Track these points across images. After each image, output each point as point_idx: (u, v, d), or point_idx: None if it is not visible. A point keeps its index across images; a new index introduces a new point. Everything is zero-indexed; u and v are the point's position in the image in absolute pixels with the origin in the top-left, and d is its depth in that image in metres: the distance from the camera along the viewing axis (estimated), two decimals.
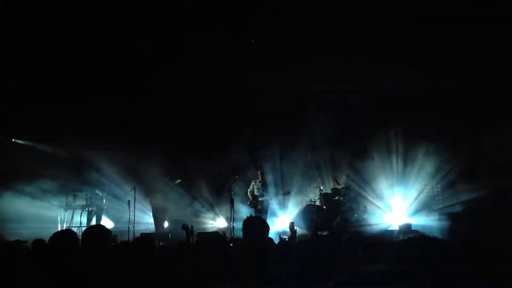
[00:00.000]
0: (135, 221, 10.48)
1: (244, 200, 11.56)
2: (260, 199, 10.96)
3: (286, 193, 11.33)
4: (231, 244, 5.01)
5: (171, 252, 4.12)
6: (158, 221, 11.30)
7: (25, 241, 5.09)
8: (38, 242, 4.58)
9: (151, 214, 11.77)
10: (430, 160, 10.88)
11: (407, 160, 11.39)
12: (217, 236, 6.39)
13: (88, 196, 11.79)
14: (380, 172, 11.80)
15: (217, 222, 12.78)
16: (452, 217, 8.64)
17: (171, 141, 12.91)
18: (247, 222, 3.75)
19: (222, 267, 2.79)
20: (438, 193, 11.03)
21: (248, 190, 11.24)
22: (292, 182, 12.66)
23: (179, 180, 11.33)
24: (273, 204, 11.61)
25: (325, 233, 8.21)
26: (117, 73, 11.97)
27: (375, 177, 11.76)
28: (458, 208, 8.95)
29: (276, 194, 11.32)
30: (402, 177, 11.50)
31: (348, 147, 12.46)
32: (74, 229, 11.28)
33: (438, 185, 11.00)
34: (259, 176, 11.19)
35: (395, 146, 11.63)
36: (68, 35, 10.62)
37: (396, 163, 11.65)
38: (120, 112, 12.61)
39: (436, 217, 9.44)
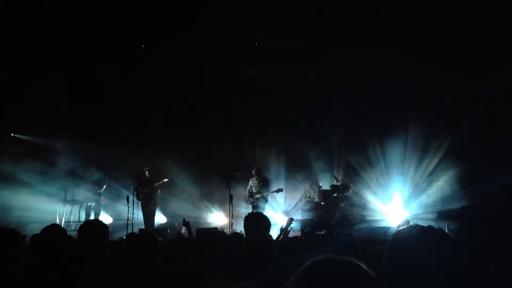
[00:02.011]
0: (133, 217, 10.47)
1: (243, 196, 11.58)
2: (256, 196, 10.95)
3: (278, 191, 11.19)
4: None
5: (171, 248, 4.13)
6: (147, 217, 11.23)
7: (25, 236, 5.03)
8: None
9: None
10: (431, 159, 10.90)
11: (407, 158, 11.39)
12: (217, 232, 6.38)
13: (87, 190, 11.77)
14: (379, 170, 11.82)
15: (215, 218, 12.79)
16: (448, 216, 8.69)
17: (167, 136, 12.91)
18: (248, 218, 3.74)
19: (222, 263, 2.80)
20: (438, 192, 11.05)
21: (247, 189, 11.25)
22: (289, 177, 12.65)
23: (166, 180, 11.21)
24: (270, 200, 11.58)
25: (323, 232, 8.18)
26: (115, 67, 11.94)
27: (374, 175, 11.78)
28: (457, 208, 8.94)
29: (269, 192, 11.20)
30: (402, 175, 11.51)
31: (347, 144, 12.46)
32: (72, 224, 11.35)
33: (438, 184, 11.01)
34: (254, 174, 11.17)
35: (394, 143, 11.63)
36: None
37: (395, 161, 11.66)
38: (118, 107, 12.59)
39: (435, 215, 9.44)
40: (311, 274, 1.33)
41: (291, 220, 5.92)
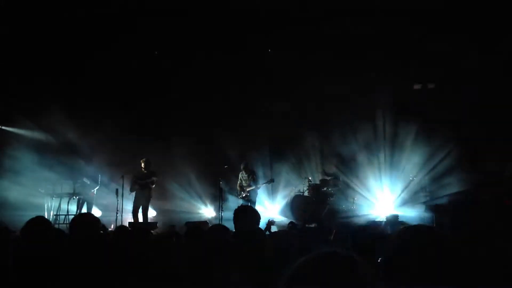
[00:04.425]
0: (123, 210, 10.39)
1: (233, 190, 11.60)
2: (247, 189, 10.98)
3: (270, 181, 11.31)
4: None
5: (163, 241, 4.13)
6: (138, 210, 11.15)
7: (14, 231, 4.97)
8: None
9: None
10: (419, 152, 11.00)
11: (395, 151, 11.48)
12: (206, 225, 6.40)
13: (76, 184, 11.65)
14: (368, 163, 11.89)
15: (205, 212, 12.79)
16: (436, 209, 8.81)
17: (161, 131, 12.85)
18: (238, 212, 3.73)
19: (215, 257, 2.81)
20: (426, 185, 11.16)
21: (237, 183, 11.28)
22: (279, 172, 12.68)
23: (156, 178, 11.10)
24: (260, 195, 11.61)
25: (313, 225, 8.24)
26: (105, 59, 11.84)
27: (363, 168, 11.85)
28: (443, 201, 9.07)
29: (261, 183, 11.27)
30: (390, 168, 11.60)
31: (336, 137, 12.51)
32: (61, 217, 11.24)
33: (426, 177, 11.12)
34: (243, 168, 11.20)
35: (383, 136, 11.70)
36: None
37: (384, 154, 11.74)
38: (110, 101, 12.49)
39: (423, 209, 9.56)
40: (311, 267, 1.30)
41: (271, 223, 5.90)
